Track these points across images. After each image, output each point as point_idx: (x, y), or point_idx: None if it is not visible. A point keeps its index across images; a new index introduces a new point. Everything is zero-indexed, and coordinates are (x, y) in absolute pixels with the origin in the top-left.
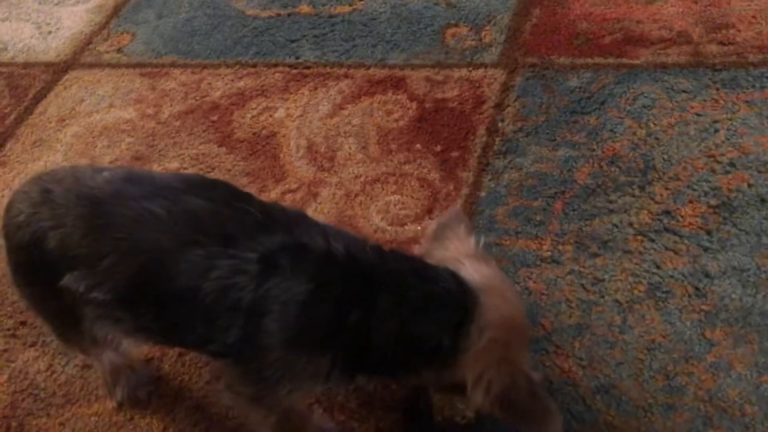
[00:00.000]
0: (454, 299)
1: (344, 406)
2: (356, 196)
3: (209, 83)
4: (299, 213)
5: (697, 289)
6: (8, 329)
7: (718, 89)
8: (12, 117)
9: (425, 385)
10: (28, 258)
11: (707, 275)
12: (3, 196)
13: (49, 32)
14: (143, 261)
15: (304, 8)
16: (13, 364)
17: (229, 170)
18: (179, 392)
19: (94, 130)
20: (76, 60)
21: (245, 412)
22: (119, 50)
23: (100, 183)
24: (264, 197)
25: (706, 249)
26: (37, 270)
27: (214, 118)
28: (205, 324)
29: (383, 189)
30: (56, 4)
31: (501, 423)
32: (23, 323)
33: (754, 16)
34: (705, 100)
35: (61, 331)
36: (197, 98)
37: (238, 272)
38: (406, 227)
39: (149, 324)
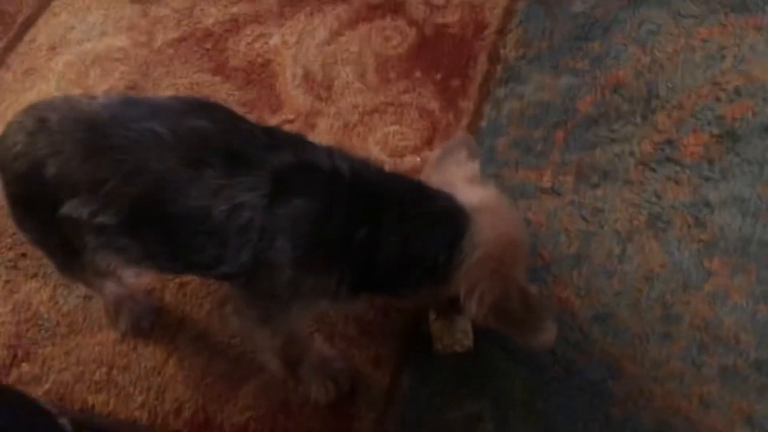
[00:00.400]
0: (450, 217)
1: (344, 334)
2: (354, 126)
3: (202, 9)
4: (300, 136)
5: (696, 219)
6: (9, 260)
7: (726, 14)
8: (1, 45)
9: (424, 303)
10: (27, 188)
11: (707, 205)
12: None
13: None
14: (149, 182)
15: None
16: (16, 295)
17: (225, 100)
18: (181, 322)
19: (86, 58)
20: None
21: (251, 336)
22: None
23: (97, 108)
24: None
25: (707, 179)
26: (37, 200)
27: (208, 45)
28: (216, 244)
29: (382, 119)
30: None
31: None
32: (24, 255)
33: None
34: (712, 26)
35: (63, 263)
36: (190, 25)
37: (250, 190)
38: (405, 158)
39: (156, 248)
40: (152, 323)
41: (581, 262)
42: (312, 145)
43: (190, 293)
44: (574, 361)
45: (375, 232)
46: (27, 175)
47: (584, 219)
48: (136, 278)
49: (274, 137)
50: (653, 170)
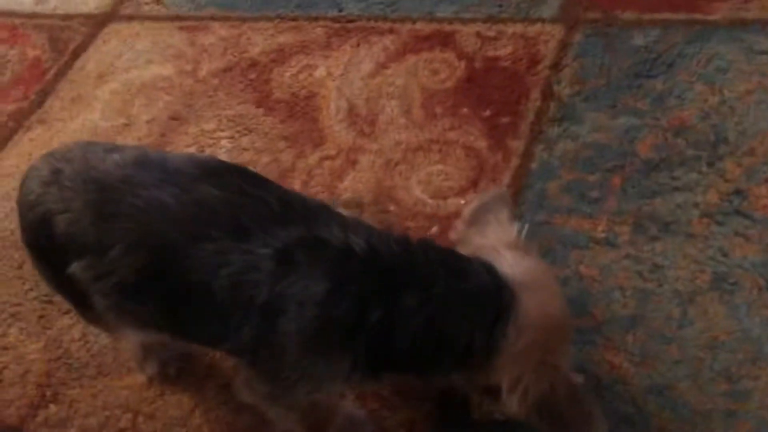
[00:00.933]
0: (489, 296)
1: (377, 394)
2: (397, 164)
3: (248, 38)
4: (320, 204)
5: None
6: (45, 295)
7: None
8: (52, 72)
9: (455, 386)
10: (38, 239)
11: None
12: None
13: None
14: (151, 254)
15: None
16: (48, 332)
17: (267, 133)
18: (210, 369)
19: (131, 87)
20: (115, 12)
21: (264, 410)
22: (158, 1)
23: (110, 167)
24: (302, 163)
25: None
26: (48, 252)
27: (253, 76)
28: (217, 322)
29: (426, 158)
30: None
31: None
32: None
33: None
34: None
35: (80, 312)
36: (236, 54)
37: (252, 268)
38: (449, 200)
39: (159, 320)
40: (180, 369)
41: (637, 324)
42: (329, 216)
43: None
44: None
45: (391, 314)
46: (39, 227)
47: (641, 276)
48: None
49: (288, 207)
50: (720, 224)
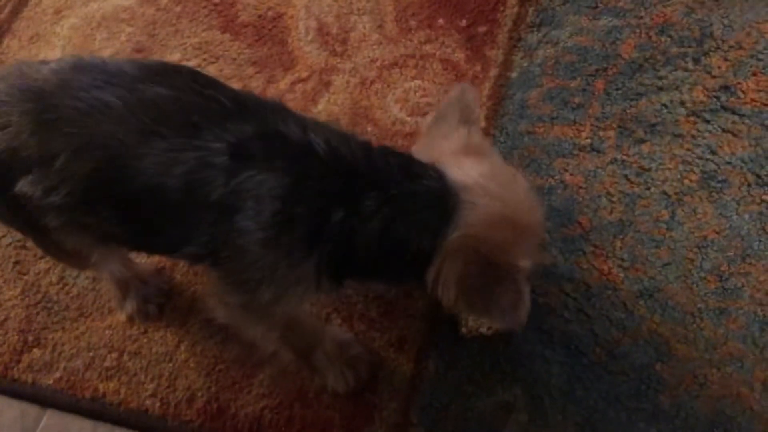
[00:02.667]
0: (437, 199)
1: (364, 315)
2: (372, 83)
3: None
4: (276, 102)
5: (758, 177)
6: (18, 240)
7: None
8: (7, 10)
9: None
10: None
11: None
12: None
13: None
14: (99, 158)
15: None
16: (25, 277)
17: (234, 59)
18: (192, 303)
19: (92, 20)
20: None
21: (242, 327)
22: None
23: (46, 74)
24: (273, 89)
25: None
26: None
27: (217, 0)
28: (174, 224)
29: (402, 74)
30: None
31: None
32: None
33: None
34: None
35: (42, 245)
36: None
37: (205, 165)
38: (428, 117)
39: (114, 229)
40: (160, 306)
41: (625, 229)
42: (287, 113)
43: (202, 272)
44: (617, 342)
45: (352, 215)
46: None
47: (628, 180)
48: (125, 258)
49: (242, 103)
50: (707, 121)
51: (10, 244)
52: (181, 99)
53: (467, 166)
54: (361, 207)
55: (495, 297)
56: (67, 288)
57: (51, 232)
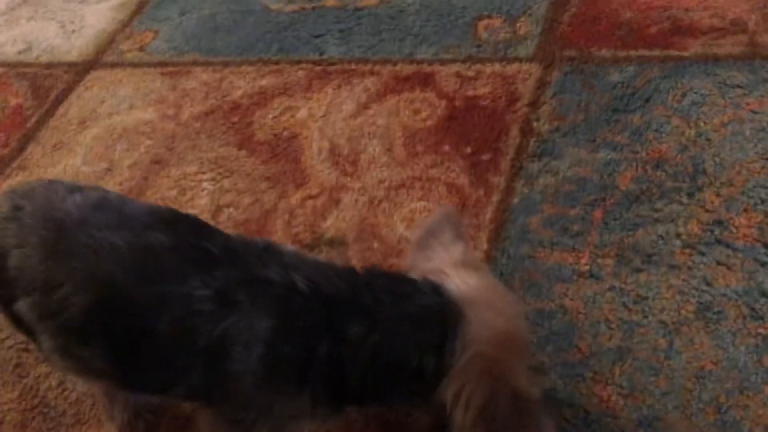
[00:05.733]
0: (435, 316)
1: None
2: (380, 202)
3: (231, 82)
4: (264, 244)
5: (752, 309)
6: (20, 343)
7: None
8: (34, 119)
9: (420, 414)
10: None
11: (765, 294)
12: None
13: (73, 31)
14: (97, 295)
15: (330, 1)
16: (24, 380)
17: (249, 174)
18: (191, 414)
19: (113, 132)
20: (98, 59)
21: None
22: (141, 48)
23: (69, 207)
24: (284, 203)
25: (763, 264)
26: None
27: (235, 119)
28: (162, 368)
29: (408, 195)
30: (80, 2)
31: None
32: None
33: None
34: (762, 96)
35: (39, 349)
36: (218, 98)
37: (192, 312)
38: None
39: (105, 366)
40: (148, 423)
41: (623, 356)
42: (271, 255)
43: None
44: None
45: (340, 345)
46: None
47: (626, 307)
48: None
49: (230, 250)
50: (702, 254)
51: (12, 346)
52: (177, 248)
53: (466, 278)
54: (348, 335)
55: (518, 427)
56: (65, 393)
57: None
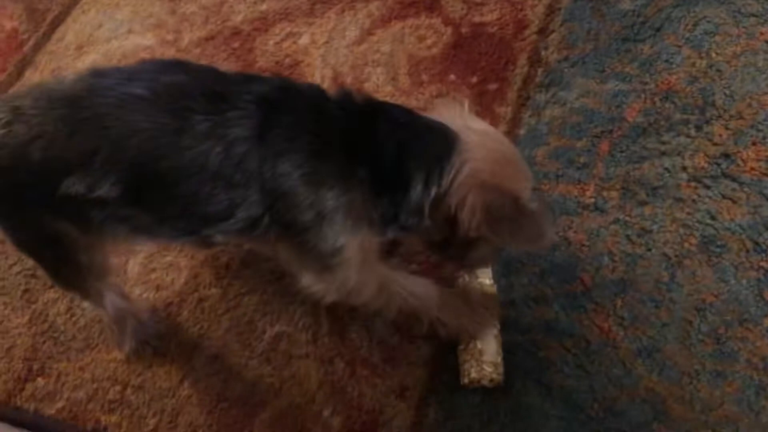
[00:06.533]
0: (439, 131)
1: (367, 360)
2: None
3: (231, 6)
4: (281, 77)
5: (756, 243)
6: (28, 269)
7: None
8: (30, 43)
9: (437, 241)
10: (13, 181)
11: None
12: None
13: None
14: (140, 142)
15: None
16: (33, 306)
17: None
18: (198, 340)
19: (112, 58)
20: None
21: (346, 293)
22: None
23: (70, 84)
24: None
25: None
26: (26, 191)
27: (236, 44)
28: (223, 188)
29: None
30: None
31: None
32: None
33: None
34: None
35: (55, 269)
36: (218, 23)
37: (239, 125)
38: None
39: (164, 210)
40: (156, 348)
41: (626, 288)
42: (295, 81)
43: (209, 309)
44: (615, 399)
45: (371, 141)
46: (11, 167)
47: (630, 240)
48: (150, 246)
49: (253, 76)
50: (707, 187)
51: (20, 272)
52: (200, 79)
53: (461, 117)
54: (378, 131)
55: (520, 226)
56: (74, 318)
57: (90, 230)
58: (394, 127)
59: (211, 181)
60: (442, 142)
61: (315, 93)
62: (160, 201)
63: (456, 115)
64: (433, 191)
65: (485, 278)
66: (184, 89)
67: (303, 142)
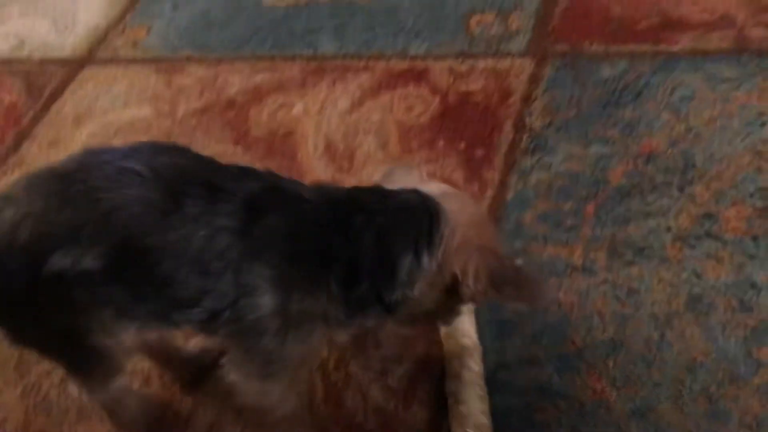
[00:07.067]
0: (419, 206)
1: (363, 428)
2: None
3: (225, 78)
4: (271, 171)
5: (741, 301)
6: None
7: (765, 77)
8: (29, 116)
9: (425, 314)
10: (2, 269)
11: (753, 286)
12: None
13: (66, 27)
14: (130, 216)
15: None
16: (26, 379)
17: None
18: (192, 411)
19: (109, 129)
20: (92, 56)
21: (258, 398)
22: (135, 45)
23: (64, 162)
24: None
25: (752, 257)
26: (14, 277)
27: (231, 115)
28: (198, 273)
29: None
30: (73, 0)
31: None
32: None
33: None
34: (750, 90)
35: (67, 363)
36: (213, 95)
37: (227, 216)
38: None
39: (141, 290)
40: (150, 424)
41: (617, 348)
42: (281, 176)
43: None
44: None
45: (347, 236)
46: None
47: (619, 300)
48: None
49: (246, 170)
50: (692, 247)
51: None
52: (198, 165)
53: (430, 184)
54: (353, 227)
55: (521, 285)
56: (68, 390)
57: (78, 319)
58: (369, 216)
59: (189, 265)
60: (423, 216)
61: (296, 192)
62: (139, 278)
63: (415, 181)
64: (426, 264)
65: (464, 326)
66: (183, 172)
67: (279, 245)
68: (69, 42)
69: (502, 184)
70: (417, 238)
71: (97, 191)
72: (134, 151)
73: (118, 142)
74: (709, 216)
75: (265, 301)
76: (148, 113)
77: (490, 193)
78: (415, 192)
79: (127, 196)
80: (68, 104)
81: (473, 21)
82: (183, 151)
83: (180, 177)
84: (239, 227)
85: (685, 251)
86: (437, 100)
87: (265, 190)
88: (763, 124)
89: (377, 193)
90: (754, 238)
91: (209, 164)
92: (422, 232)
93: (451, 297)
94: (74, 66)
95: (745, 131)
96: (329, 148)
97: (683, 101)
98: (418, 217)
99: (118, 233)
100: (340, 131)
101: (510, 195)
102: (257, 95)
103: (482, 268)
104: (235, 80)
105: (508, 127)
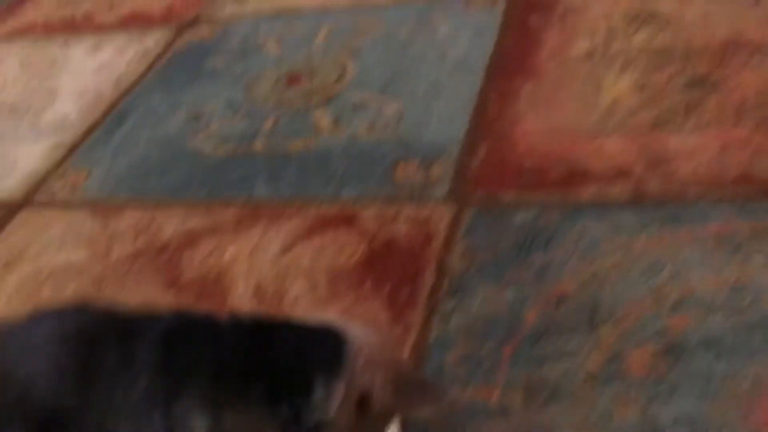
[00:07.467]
0: (327, 333)
1: None
2: None
3: (160, 223)
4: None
5: None
6: None
7: (660, 226)
8: None
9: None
10: None
11: (656, 429)
12: None
13: (4, 170)
14: (47, 385)
15: (258, 146)
16: None
17: None
18: None
19: (40, 274)
20: (28, 200)
21: None
22: (74, 188)
23: None
24: None
25: (655, 396)
26: None
27: (164, 259)
28: (127, 418)
29: None
30: (15, 145)
31: None
32: None
33: (692, 151)
34: (649, 238)
35: None
36: (148, 239)
37: (146, 353)
38: None
39: None
40: None
41: None
42: (191, 310)
43: None
44: None
45: (268, 355)
46: None
47: None
48: None
49: (154, 311)
50: (602, 387)
51: None
52: (105, 318)
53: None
54: (271, 349)
55: (426, 389)
56: None
57: None
58: (285, 339)
59: (116, 415)
60: (333, 340)
61: (209, 322)
62: None
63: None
64: (336, 384)
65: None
66: (92, 330)
67: (203, 370)
68: (6, 186)
69: (425, 326)
70: (328, 361)
71: (8, 366)
72: (39, 319)
73: (48, 287)
74: (616, 357)
75: (199, 423)
76: (82, 257)
77: (413, 334)
78: (320, 320)
79: (40, 365)
80: (0, 249)
81: (399, 169)
82: (87, 307)
83: (91, 334)
84: (158, 364)
85: (597, 391)
86: (365, 244)
87: (176, 323)
88: (660, 270)
89: (290, 324)
90: (657, 378)
91: (115, 313)
92: (331, 355)
93: (364, 416)
94: (8, 210)
95: (645, 276)
96: (258, 292)
97: (589, 248)
98: (328, 342)
99: (38, 404)
100: (270, 275)
101: (432, 337)
102: (191, 239)
103: (388, 380)
104: (170, 225)
105: (430, 271)
